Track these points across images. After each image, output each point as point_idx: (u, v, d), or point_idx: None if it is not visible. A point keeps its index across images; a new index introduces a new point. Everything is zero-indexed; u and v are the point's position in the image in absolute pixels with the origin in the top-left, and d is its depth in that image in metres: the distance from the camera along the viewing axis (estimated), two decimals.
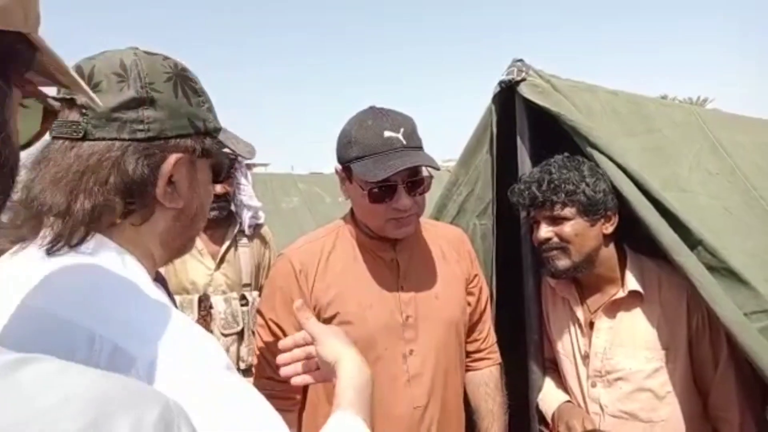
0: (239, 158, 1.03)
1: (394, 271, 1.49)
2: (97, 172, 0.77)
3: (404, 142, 1.34)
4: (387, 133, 1.34)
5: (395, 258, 1.49)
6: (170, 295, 1.04)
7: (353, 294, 1.43)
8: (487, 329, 1.66)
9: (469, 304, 1.59)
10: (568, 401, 1.65)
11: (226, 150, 0.93)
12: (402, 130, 1.35)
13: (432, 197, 1.94)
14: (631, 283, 1.51)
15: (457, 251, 1.61)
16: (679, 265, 1.36)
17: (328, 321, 1.39)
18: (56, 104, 0.61)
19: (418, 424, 1.44)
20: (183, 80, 0.85)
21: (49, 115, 0.64)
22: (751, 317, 1.31)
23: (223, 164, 0.94)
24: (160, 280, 0.97)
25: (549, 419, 1.67)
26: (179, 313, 0.77)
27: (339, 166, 1.43)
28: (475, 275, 1.62)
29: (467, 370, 1.63)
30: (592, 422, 1.53)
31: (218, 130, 0.91)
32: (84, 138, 0.78)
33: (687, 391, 1.49)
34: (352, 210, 1.53)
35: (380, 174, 1.30)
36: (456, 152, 1.91)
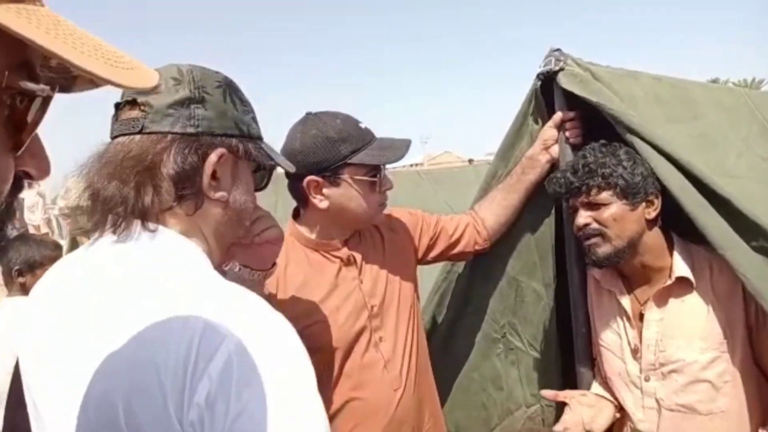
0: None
1: (353, 266, 1.51)
2: (149, 162, 0.83)
3: (372, 131, 1.45)
4: (362, 125, 1.44)
5: (351, 254, 1.51)
6: None
7: (319, 302, 1.44)
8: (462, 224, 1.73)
9: (433, 242, 1.68)
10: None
11: (268, 161, 0.98)
12: (362, 122, 1.45)
13: (471, 191, 1.92)
14: (679, 269, 1.42)
15: (397, 225, 1.65)
16: (726, 259, 1.28)
17: (299, 334, 1.38)
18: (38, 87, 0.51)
19: (399, 405, 1.48)
20: (231, 89, 0.92)
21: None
22: None
23: (264, 172, 1.01)
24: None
25: None
26: (249, 293, 0.79)
27: (313, 177, 1.41)
28: (420, 226, 1.68)
29: None
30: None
31: (260, 138, 0.97)
32: (140, 132, 0.85)
33: (747, 380, 1.38)
34: (294, 218, 1.55)
35: (393, 156, 1.41)
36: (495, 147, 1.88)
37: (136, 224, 0.82)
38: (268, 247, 1.14)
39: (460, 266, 1.92)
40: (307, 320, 1.41)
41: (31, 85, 0.49)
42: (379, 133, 1.49)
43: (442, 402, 1.94)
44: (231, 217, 0.92)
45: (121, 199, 0.81)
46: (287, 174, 1.48)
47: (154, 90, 0.85)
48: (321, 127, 1.41)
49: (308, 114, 1.47)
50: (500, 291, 1.89)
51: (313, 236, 1.50)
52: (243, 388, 0.66)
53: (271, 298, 1.40)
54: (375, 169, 1.44)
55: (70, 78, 0.55)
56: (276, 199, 2.02)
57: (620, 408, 1.58)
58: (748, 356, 1.39)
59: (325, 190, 1.43)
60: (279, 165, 1.02)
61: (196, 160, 0.85)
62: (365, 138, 1.42)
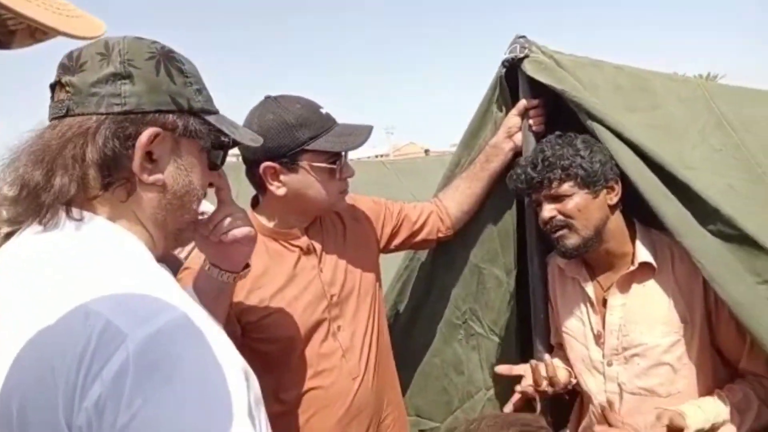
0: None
1: (312, 255, 1.48)
2: (74, 146, 0.77)
3: (334, 117, 1.42)
4: (323, 111, 1.40)
5: (310, 243, 1.48)
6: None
7: (277, 292, 1.41)
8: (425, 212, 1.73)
9: (396, 230, 1.68)
10: None
11: (220, 136, 0.90)
12: (323, 107, 1.41)
13: (436, 180, 1.91)
14: (642, 254, 1.44)
15: (360, 213, 1.63)
16: (684, 246, 1.31)
17: (256, 325, 1.38)
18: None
19: (357, 393, 1.47)
20: (167, 60, 0.84)
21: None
22: None
23: (217, 149, 0.93)
24: (170, 263, 0.94)
25: None
26: (180, 292, 0.74)
27: (270, 162, 1.36)
28: (383, 214, 1.67)
29: None
30: None
31: (208, 111, 0.88)
32: (67, 114, 0.78)
33: (705, 362, 1.42)
34: (252, 207, 1.50)
35: (353, 143, 1.37)
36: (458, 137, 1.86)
37: (62, 213, 0.77)
38: (237, 248, 1.08)
39: (423, 254, 1.92)
40: (265, 310, 1.38)
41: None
42: (348, 119, 1.45)
43: (404, 388, 1.95)
44: (171, 202, 0.85)
45: (46, 186, 0.76)
46: (244, 160, 1.42)
47: (98, 39, 0.78)
48: (279, 112, 1.35)
49: (267, 97, 1.41)
50: (462, 278, 1.89)
51: (271, 225, 1.46)
52: (136, 395, 0.61)
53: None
54: (335, 156, 1.40)
55: (6, 32, 0.48)
56: (237, 191, 1.95)
57: (585, 393, 1.61)
58: (706, 339, 1.43)
59: (282, 177, 1.38)
60: (236, 140, 0.93)
61: (121, 143, 0.78)
62: (325, 124, 1.38)
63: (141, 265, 0.77)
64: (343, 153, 1.41)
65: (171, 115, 0.82)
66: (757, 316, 1.22)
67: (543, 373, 1.57)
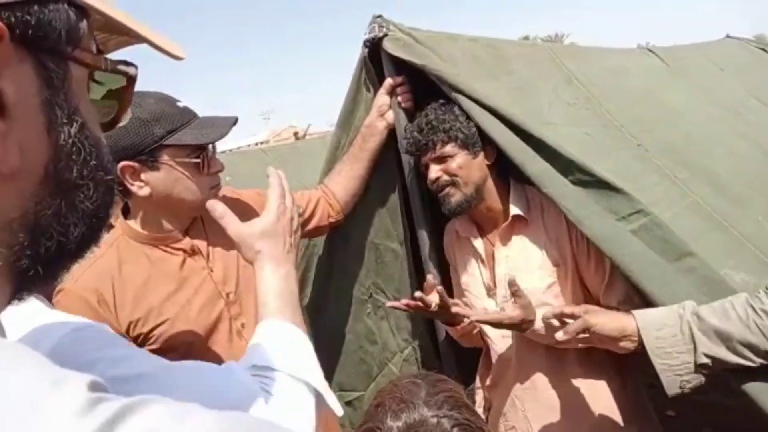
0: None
1: (198, 255, 1.42)
2: None
3: (194, 110, 1.35)
4: (180, 104, 1.32)
5: (193, 244, 1.41)
6: None
7: (166, 298, 1.34)
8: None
9: None
10: None
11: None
12: (182, 100, 1.34)
13: (320, 163, 1.92)
14: (513, 209, 1.57)
15: (244, 207, 1.55)
16: (548, 196, 1.41)
17: (148, 336, 1.32)
18: (131, 69, 0.49)
19: None
20: None
21: (130, 81, 0.53)
22: (628, 219, 1.38)
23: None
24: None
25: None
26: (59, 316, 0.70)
27: (127, 162, 1.27)
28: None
29: None
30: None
31: None
32: None
33: (579, 300, 1.55)
34: (124, 216, 1.42)
35: (215, 135, 1.30)
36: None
37: None
38: None
39: (319, 240, 1.92)
40: (154, 321, 1.31)
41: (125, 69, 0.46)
42: (215, 112, 1.40)
43: (323, 367, 1.98)
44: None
45: None
46: None
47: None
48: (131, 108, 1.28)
49: None
50: (361, 256, 1.93)
51: (146, 231, 1.38)
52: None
53: (108, 305, 1.28)
54: (198, 150, 1.32)
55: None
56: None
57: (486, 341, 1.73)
58: (577, 280, 1.56)
59: (143, 176, 1.29)
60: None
61: None
62: (184, 117, 1.31)
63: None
64: (210, 147, 1.36)
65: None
66: (621, 246, 1.33)
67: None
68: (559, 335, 1.28)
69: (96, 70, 0.45)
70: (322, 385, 0.87)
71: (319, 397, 0.87)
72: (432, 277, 1.62)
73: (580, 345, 1.41)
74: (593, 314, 1.30)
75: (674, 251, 1.33)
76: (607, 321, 1.28)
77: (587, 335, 1.29)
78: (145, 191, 1.30)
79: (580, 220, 1.39)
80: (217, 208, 1.06)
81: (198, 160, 1.32)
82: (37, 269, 0.40)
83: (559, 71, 1.65)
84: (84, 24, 0.41)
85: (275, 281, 0.97)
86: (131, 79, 0.51)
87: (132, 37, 0.48)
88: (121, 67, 0.50)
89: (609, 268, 1.48)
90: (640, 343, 1.23)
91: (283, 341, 0.89)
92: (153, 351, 1.29)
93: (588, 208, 1.40)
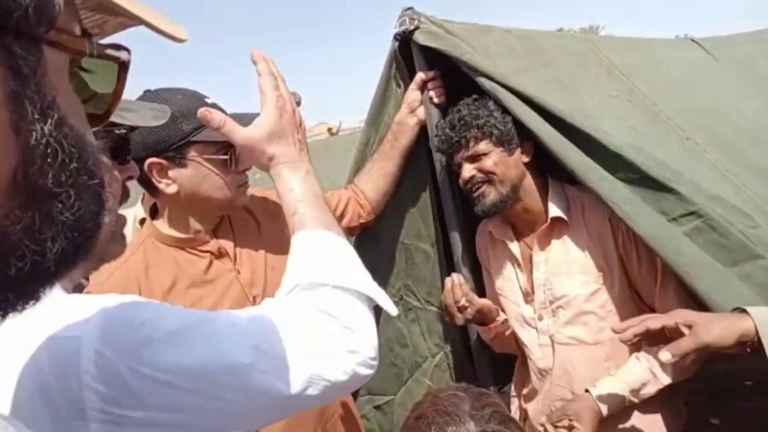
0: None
1: (226, 257, 1.38)
2: None
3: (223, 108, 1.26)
4: (209, 100, 1.27)
5: (221, 245, 1.38)
6: None
7: (192, 303, 1.30)
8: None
9: None
10: None
11: (118, 128, 0.76)
12: (210, 97, 1.30)
13: (350, 159, 1.86)
14: (553, 210, 1.47)
15: (274, 207, 1.50)
16: (594, 191, 1.32)
17: None
18: (123, 54, 0.42)
19: None
20: None
21: (122, 68, 0.46)
22: (680, 221, 1.30)
23: (115, 143, 0.77)
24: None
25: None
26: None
27: (154, 158, 1.25)
28: None
29: None
30: None
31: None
32: None
33: (628, 309, 1.45)
34: (152, 217, 1.40)
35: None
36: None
37: None
38: None
39: (348, 240, 1.88)
40: None
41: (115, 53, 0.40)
42: (243, 109, 1.35)
43: None
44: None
45: None
46: None
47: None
48: (152, 101, 1.24)
49: (146, 92, 1.30)
50: (391, 257, 1.86)
51: (174, 233, 1.35)
52: (138, 354, 0.57)
53: None
54: (227, 147, 1.28)
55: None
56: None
57: (522, 349, 1.64)
58: (625, 285, 1.46)
59: (171, 173, 1.27)
60: (132, 125, 0.76)
61: None
62: None
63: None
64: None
65: None
66: (674, 244, 1.24)
67: (459, 292, 1.55)
68: (665, 357, 1.08)
69: (78, 55, 0.37)
70: (374, 290, 0.83)
71: (370, 301, 0.82)
72: (452, 279, 1.55)
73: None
74: (702, 327, 1.08)
75: (731, 256, 1.23)
76: (722, 332, 1.07)
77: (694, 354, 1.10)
78: (172, 188, 1.28)
79: (630, 215, 1.30)
80: (213, 117, 0.94)
81: (226, 157, 1.29)
82: (6, 295, 0.33)
83: (599, 63, 1.56)
84: None
85: (297, 184, 0.90)
86: (123, 65, 0.43)
87: (127, 17, 0.42)
88: (111, 52, 0.42)
89: (661, 270, 1.38)
90: (756, 343, 1.06)
91: (320, 251, 0.84)
92: None
93: (637, 205, 1.31)
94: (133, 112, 0.78)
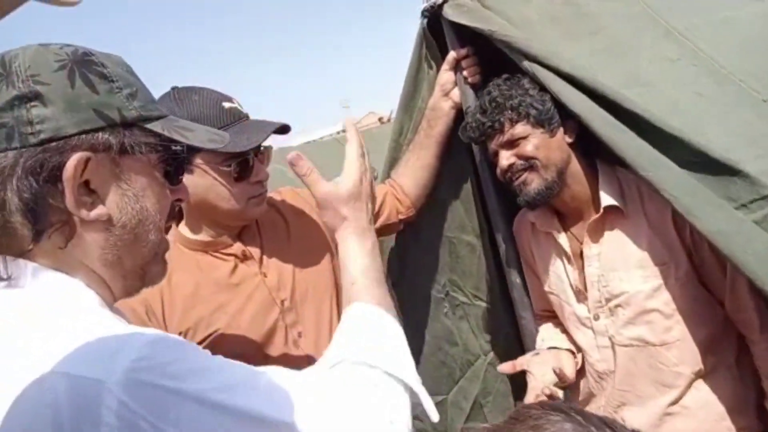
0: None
1: (251, 260, 1.31)
2: None
3: (245, 111, 1.23)
4: (226, 104, 1.20)
5: (245, 249, 1.30)
6: None
7: (216, 308, 1.24)
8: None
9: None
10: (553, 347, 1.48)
11: (173, 144, 0.74)
12: (234, 99, 1.22)
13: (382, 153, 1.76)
14: (605, 198, 1.31)
15: (305, 207, 1.45)
16: (647, 181, 1.16)
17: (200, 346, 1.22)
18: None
19: None
20: (83, 66, 0.67)
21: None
22: (750, 207, 1.11)
23: (171, 160, 0.76)
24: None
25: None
26: (126, 326, 0.65)
27: None
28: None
29: None
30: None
31: (147, 118, 0.72)
32: None
33: (699, 305, 1.28)
34: (177, 224, 1.33)
35: (247, 142, 1.16)
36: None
37: None
38: None
39: (389, 236, 1.78)
40: (204, 332, 1.22)
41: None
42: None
43: None
44: (121, 237, 0.70)
45: None
46: None
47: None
48: (171, 106, 1.19)
49: (173, 89, 1.24)
50: (434, 251, 1.76)
51: (196, 237, 1.30)
52: (164, 412, 0.54)
53: (156, 315, 1.20)
54: (233, 158, 1.20)
55: None
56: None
57: (578, 349, 1.49)
58: (694, 280, 1.28)
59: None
60: (192, 145, 0.76)
61: (42, 180, 0.63)
62: (223, 121, 1.20)
63: (88, 314, 0.65)
64: (250, 156, 1.23)
65: (101, 133, 0.67)
66: (743, 243, 1.06)
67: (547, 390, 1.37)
68: None
69: None
70: (418, 385, 0.79)
71: (413, 394, 0.79)
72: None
73: None
74: None
75: None
76: None
77: None
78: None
79: (690, 209, 1.13)
80: (300, 163, 0.93)
81: (229, 169, 1.21)
82: None
83: (654, 25, 1.37)
84: None
85: (362, 256, 0.90)
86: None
87: None
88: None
89: (729, 267, 1.20)
90: None
91: (375, 331, 0.82)
92: None
93: (698, 195, 1.14)
94: (192, 131, 0.78)
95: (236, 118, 1.22)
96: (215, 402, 0.59)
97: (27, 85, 0.63)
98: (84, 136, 0.65)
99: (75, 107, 0.65)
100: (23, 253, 0.65)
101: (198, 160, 1.19)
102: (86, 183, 0.66)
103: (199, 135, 0.79)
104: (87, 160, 0.65)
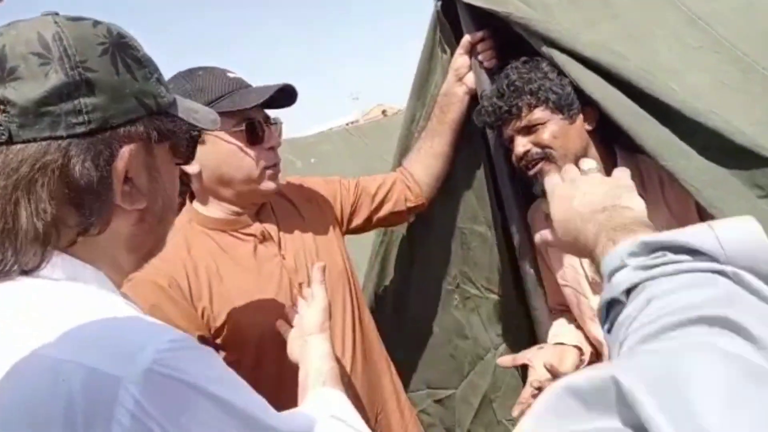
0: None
1: (270, 241, 1.29)
2: (35, 184, 0.59)
3: (248, 81, 1.23)
4: (231, 74, 1.21)
5: (264, 229, 1.29)
6: None
7: (239, 288, 1.22)
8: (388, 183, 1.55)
9: (355, 207, 1.51)
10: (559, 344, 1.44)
11: (190, 129, 0.75)
12: (236, 72, 1.22)
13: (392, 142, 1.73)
14: None
15: (313, 195, 1.45)
16: (669, 171, 1.12)
17: (219, 330, 1.21)
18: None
19: (346, 386, 1.31)
20: (122, 50, 0.65)
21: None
22: None
23: (182, 143, 0.75)
24: None
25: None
26: (155, 323, 0.63)
27: None
28: (339, 192, 1.50)
29: None
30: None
31: (173, 104, 0.72)
32: (10, 142, 0.59)
33: None
34: (191, 200, 1.32)
35: (258, 97, 1.16)
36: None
37: (28, 258, 0.60)
38: None
39: (398, 226, 1.75)
40: (227, 311, 1.21)
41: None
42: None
43: (409, 363, 1.83)
44: (150, 224, 0.71)
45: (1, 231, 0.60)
46: None
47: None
48: (177, 82, 1.19)
49: (178, 73, 1.25)
50: (445, 242, 1.73)
51: (215, 215, 1.28)
52: (176, 416, 0.52)
53: (180, 291, 1.19)
54: (245, 119, 1.20)
55: None
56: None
57: (593, 343, 1.46)
58: None
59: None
60: (202, 128, 0.77)
61: (97, 173, 0.62)
62: (228, 87, 1.19)
63: (107, 302, 0.63)
64: (262, 120, 1.22)
65: (141, 123, 0.66)
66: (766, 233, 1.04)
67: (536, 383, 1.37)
68: None
69: None
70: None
71: None
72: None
73: None
74: None
75: None
76: None
77: None
78: (194, 168, 1.21)
79: (712, 202, 1.10)
80: None
81: (241, 129, 1.19)
82: None
83: (676, 11, 1.33)
84: None
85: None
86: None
87: None
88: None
89: None
90: None
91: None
92: (225, 343, 1.22)
93: (722, 186, 1.11)
94: (198, 112, 0.78)
95: (242, 85, 1.22)
96: (231, 408, 0.57)
97: (78, 72, 0.61)
98: (129, 126, 0.65)
99: (121, 96, 0.64)
100: (67, 246, 0.63)
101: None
102: (126, 174, 0.65)
103: (203, 116, 0.79)
104: (132, 151, 0.65)
